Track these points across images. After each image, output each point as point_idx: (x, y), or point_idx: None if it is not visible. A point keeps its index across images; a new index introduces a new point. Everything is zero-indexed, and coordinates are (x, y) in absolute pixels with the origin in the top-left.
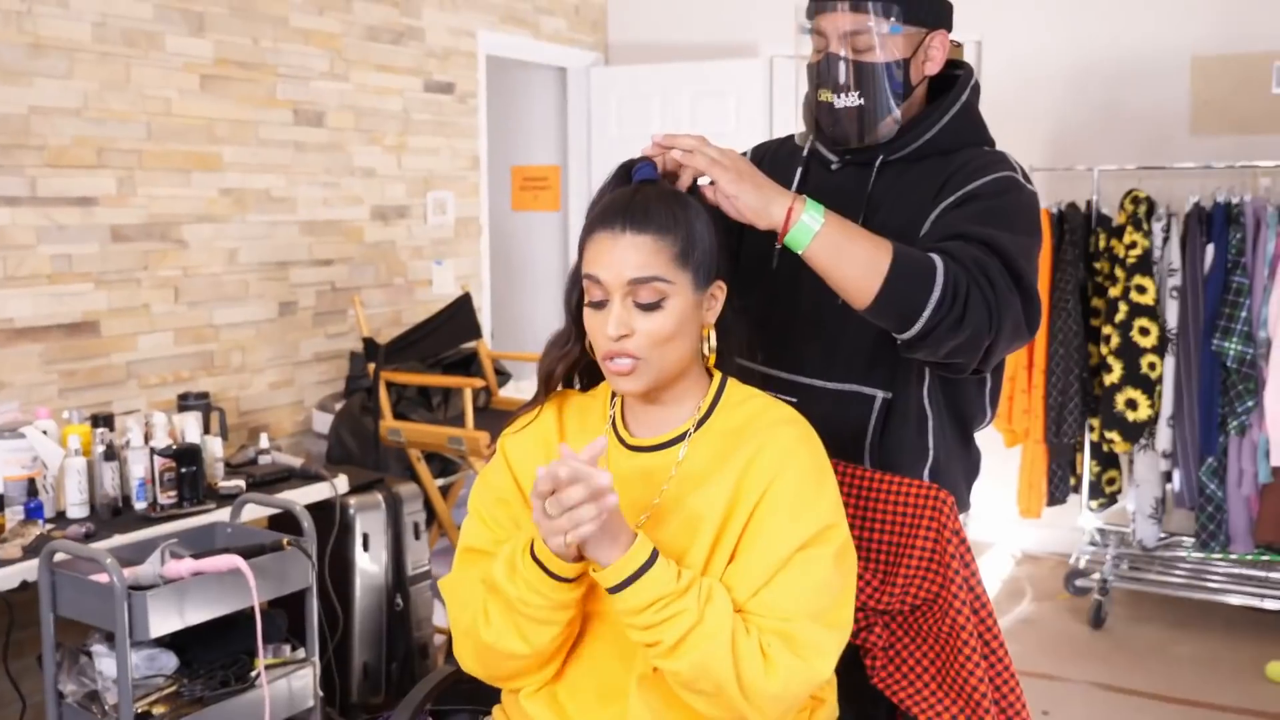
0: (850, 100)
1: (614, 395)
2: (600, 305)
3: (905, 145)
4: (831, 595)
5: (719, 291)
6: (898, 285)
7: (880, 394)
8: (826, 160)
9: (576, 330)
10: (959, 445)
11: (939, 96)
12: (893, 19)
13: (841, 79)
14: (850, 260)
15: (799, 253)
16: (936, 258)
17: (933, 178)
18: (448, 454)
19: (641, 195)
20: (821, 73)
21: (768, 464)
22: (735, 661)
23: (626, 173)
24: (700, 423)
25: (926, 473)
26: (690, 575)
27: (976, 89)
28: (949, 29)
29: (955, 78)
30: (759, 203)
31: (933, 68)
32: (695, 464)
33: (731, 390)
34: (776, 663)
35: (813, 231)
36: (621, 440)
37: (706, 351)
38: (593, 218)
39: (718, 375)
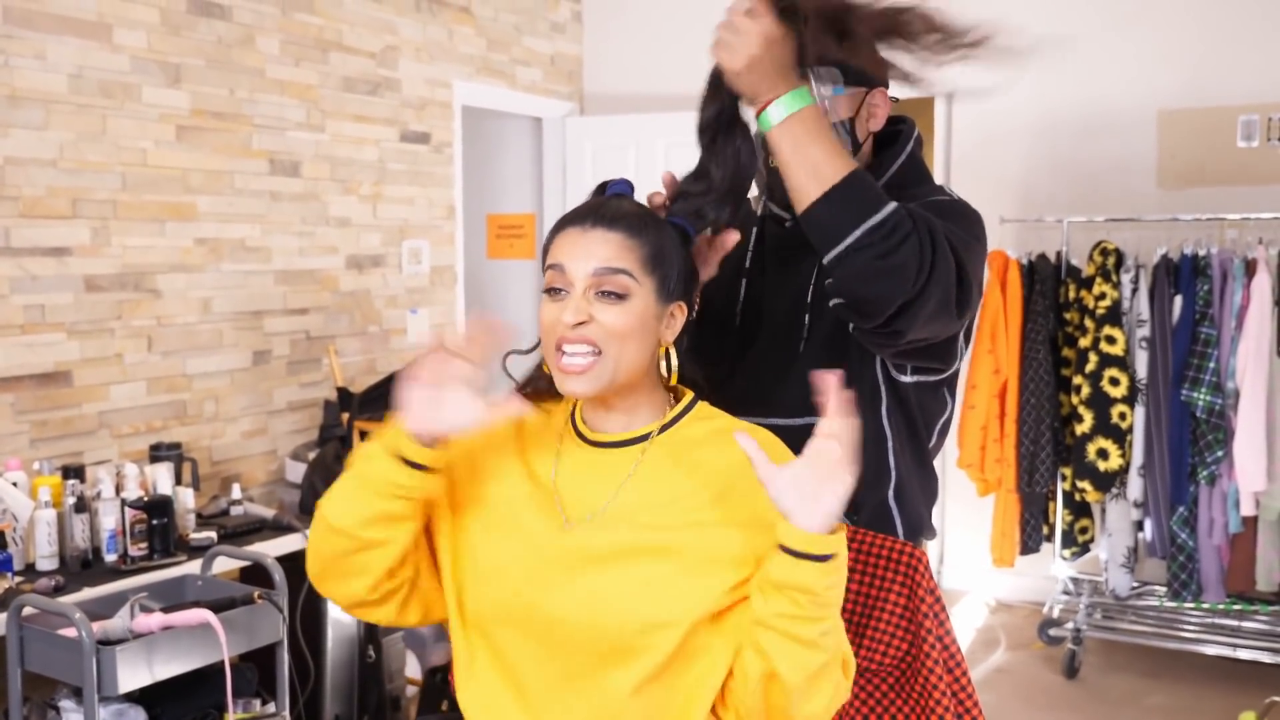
0: None
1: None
2: (557, 294)
3: None
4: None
5: (679, 312)
6: (845, 194)
7: None
8: (780, 217)
9: None
10: (917, 466)
11: (884, 149)
12: (835, 82)
13: None
14: (806, 156)
15: (765, 132)
16: (888, 200)
17: None
18: None
19: (614, 202)
20: None
21: (755, 484)
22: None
23: (601, 191)
24: (666, 427)
25: (891, 493)
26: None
27: (919, 141)
28: (887, 85)
29: (898, 132)
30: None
31: (876, 124)
32: (660, 468)
33: (702, 408)
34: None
35: (771, 122)
36: (581, 435)
37: (664, 371)
38: (562, 217)
39: (689, 393)
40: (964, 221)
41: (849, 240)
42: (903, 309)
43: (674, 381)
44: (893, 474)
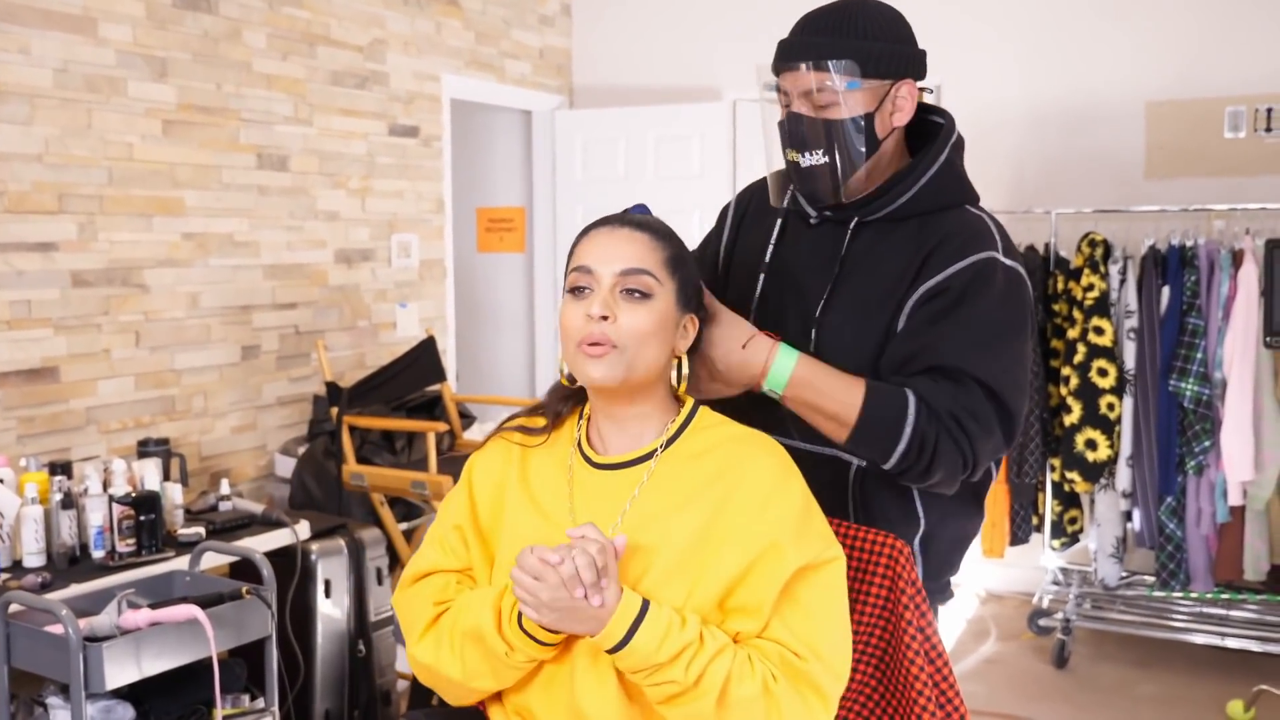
0: (816, 159)
1: (580, 417)
2: (581, 293)
3: (883, 206)
4: (837, 633)
5: (691, 325)
6: (866, 433)
7: (856, 461)
8: (805, 214)
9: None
10: (957, 508)
11: (922, 147)
12: (851, 75)
13: (805, 137)
14: (820, 407)
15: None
16: (910, 407)
17: (913, 247)
18: (411, 498)
19: (639, 215)
20: (786, 132)
21: (753, 493)
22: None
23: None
24: (669, 442)
25: (918, 540)
26: (680, 641)
27: (959, 144)
28: (918, 76)
29: (938, 127)
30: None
31: (902, 118)
32: (665, 483)
33: (703, 415)
34: (780, 703)
35: (778, 390)
36: (587, 458)
37: (675, 381)
38: (586, 225)
39: (690, 400)
40: (1000, 317)
41: (891, 465)
42: (966, 479)
43: (682, 391)
44: (921, 521)
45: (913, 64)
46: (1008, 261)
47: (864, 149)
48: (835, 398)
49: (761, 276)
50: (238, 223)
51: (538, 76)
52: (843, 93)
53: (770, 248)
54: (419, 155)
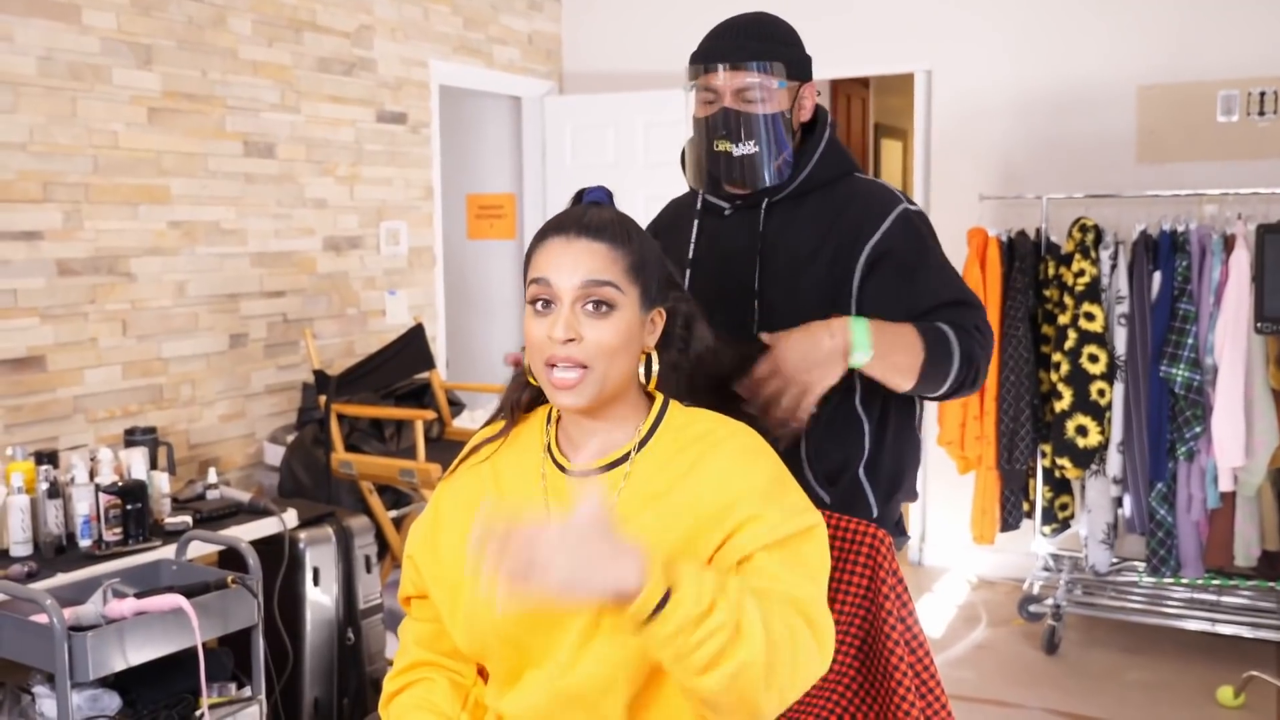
0: (747, 149)
1: (549, 420)
2: (545, 308)
3: (786, 186)
4: (824, 590)
5: (659, 318)
6: (930, 371)
7: None
8: (719, 208)
9: None
10: (895, 437)
11: (807, 134)
12: (780, 76)
13: (737, 130)
14: (894, 364)
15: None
16: (950, 334)
17: (825, 212)
18: (400, 486)
19: (595, 211)
20: (716, 125)
21: (729, 471)
22: (767, 660)
23: (578, 200)
24: (642, 443)
25: (862, 468)
26: (712, 588)
27: (834, 126)
28: (811, 79)
29: (815, 119)
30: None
31: (805, 114)
32: (641, 485)
33: (674, 413)
34: (800, 641)
35: (861, 364)
36: (560, 466)
37: (643, 377)
38: (543, 227)
39: (659, 397)
40: (937, 249)
41: (945, 389)
42: None
43: (652, 387)
44: (865, 452)
45: (810, 69)
46: (913, 207)
47: (785, 140)
48: (906, 351)
49: (688, 272)
50: (224, 211)
51: (527, 62)
52: (771, 91)
53: (691, 244)
54: (407, 142)
